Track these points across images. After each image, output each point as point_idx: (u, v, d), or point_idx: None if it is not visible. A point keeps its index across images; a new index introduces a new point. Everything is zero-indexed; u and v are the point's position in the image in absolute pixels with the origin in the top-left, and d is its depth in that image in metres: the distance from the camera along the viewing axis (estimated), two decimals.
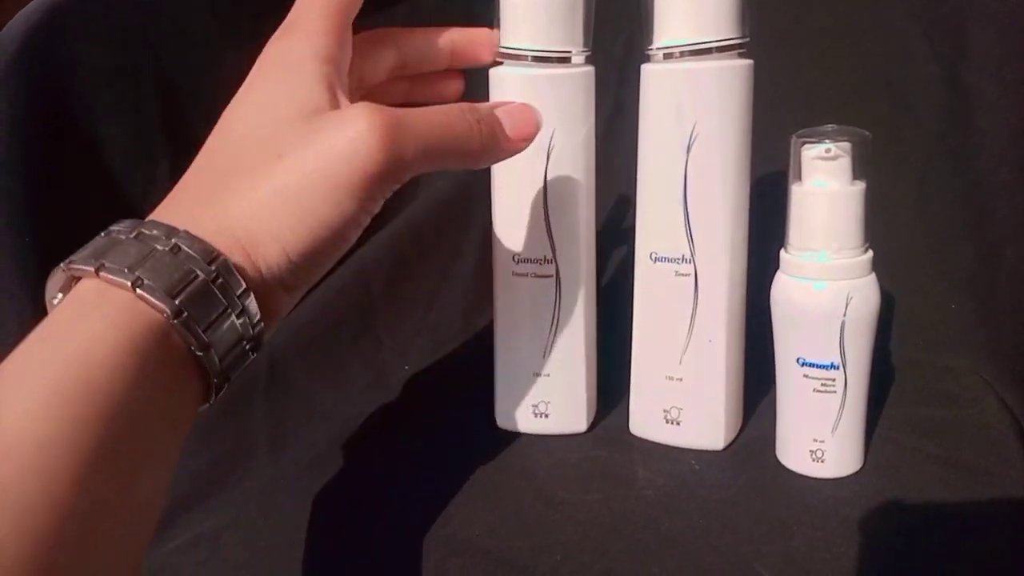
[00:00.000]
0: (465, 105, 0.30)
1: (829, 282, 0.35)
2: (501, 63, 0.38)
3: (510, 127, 0.32)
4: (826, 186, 0.35)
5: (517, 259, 0.40)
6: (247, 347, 0.26)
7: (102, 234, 0.25)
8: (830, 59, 0.53)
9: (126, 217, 0.26)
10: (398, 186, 0.28)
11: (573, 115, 0.38)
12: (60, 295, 0.25)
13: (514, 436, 0.43)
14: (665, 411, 0.41)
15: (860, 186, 0.36)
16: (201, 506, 0.40)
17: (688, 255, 0.38)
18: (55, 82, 0.43)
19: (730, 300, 0.39)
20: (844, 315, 0.35)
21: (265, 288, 0.26)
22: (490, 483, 0.39)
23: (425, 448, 0.43)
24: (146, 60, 0.47)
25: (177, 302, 0.23)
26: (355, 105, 0.28)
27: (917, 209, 0.50)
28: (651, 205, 0.39)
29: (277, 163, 0.26)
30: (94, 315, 0.23)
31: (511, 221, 0.40)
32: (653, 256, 0.39)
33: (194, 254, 0.24)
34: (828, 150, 0.35)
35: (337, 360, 0.50)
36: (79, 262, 0.24)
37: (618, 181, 0.51)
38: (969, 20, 0.48)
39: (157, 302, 0.23)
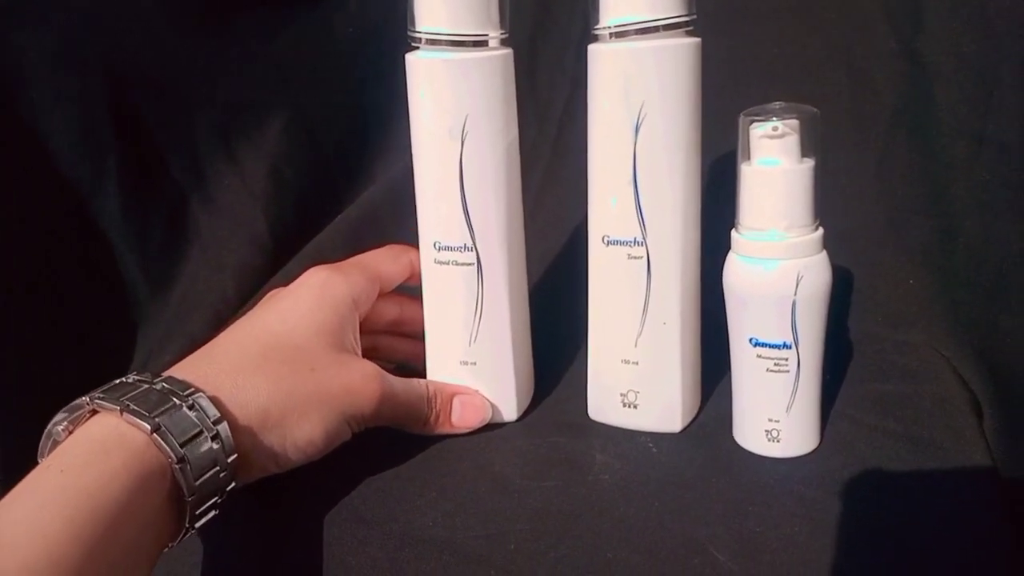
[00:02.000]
0: (433, 390, 0.40)
1: (779, 261, 0.35)
2: (417, 47, 0.37)
3: (457, 417, 0.40)
4: (774, 164, 0.35)
5: (439, 247, 0.39)
6: (219, 500, 0.31)
7: (123, 379, 0.32)
8: (791, 35, 0.53)
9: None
10: (366, 427, 0.38)
11: (489, 100, 0.37)
12: (63, 420, 0.30)
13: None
14: (622, 395, 0.40)
15: (809, 163, 0.35)
16: None
17: (640, 237, 0.38)
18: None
19: (683, 282, 0.38)
20: (795, 294, 0.35)
21: (251, 463, 0.33)
22: (444, 472, 0.39)
23: (377, 438, 0.42)
24: (93, 48, 0.46)
25: (183, 451, 0.29)
26: (369, 365, 0.37)
27: (877, 184, 0.50)
28: (602, 188, 0.38)
29: (310, 374, 0.35)
30: (114, 454, 0.28)
31: (431, 209, 0.39)
32: (605, 239, 0.38)
33: (206, 415, 0.31)
34: (775, 128, 0.34)
35: None
36: (105, 399, 0.29)
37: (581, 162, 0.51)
38: None
39: (168, 449, 0.29)
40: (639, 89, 0.36)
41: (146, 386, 0.31)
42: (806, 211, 0.35)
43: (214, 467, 0.30)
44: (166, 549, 0.30)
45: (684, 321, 0.39)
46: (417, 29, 0.36)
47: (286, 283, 0.41)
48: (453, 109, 0.37)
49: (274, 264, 0.53)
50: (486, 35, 0.36)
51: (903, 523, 0.34)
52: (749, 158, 0.36)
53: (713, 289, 0.39)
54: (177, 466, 0.29)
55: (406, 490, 0.38)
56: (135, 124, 0.48)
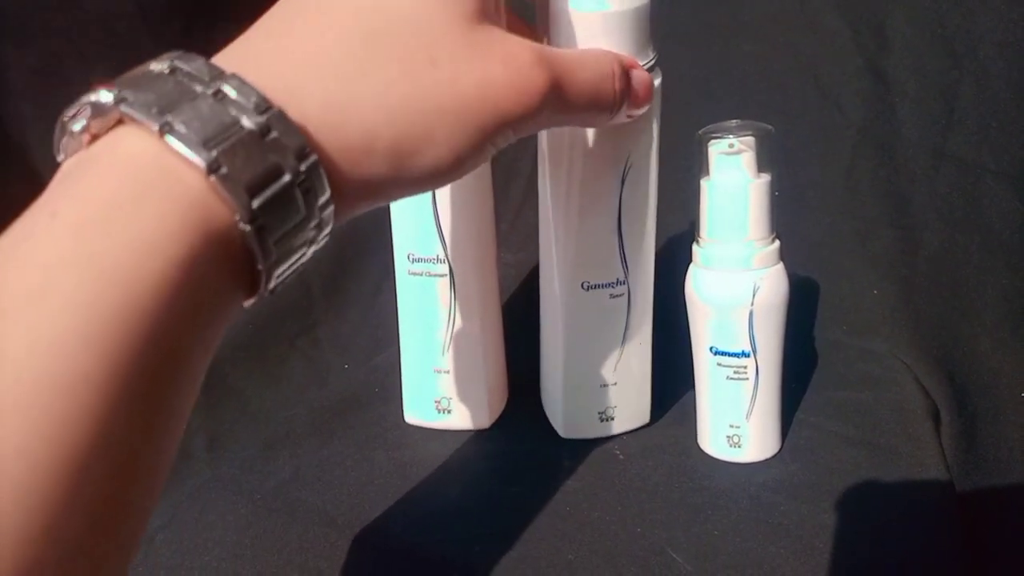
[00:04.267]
0: (616, 63, 0.28)
1: (736, 272, 0.36)
2: None
3: (634, 97, 0.30)
4: (731, 180, 0.36)
5: (412, 258, 0.40)
6: (302, 261, 0.22)
7: (158, 62, 0.20)
8: (759, 53, 0.54)
9: None
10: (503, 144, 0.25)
11: None
12: (83, 114, 0.19)
13: (445, 433, 0.43)
14: (600, 412, 0.41)
15: (765, 178, 0.37)
16: None
17: (622, 277, 0.38)
18: None
19: (651, 306, 0.40)
20: (752, 304, 0.36)
21: (350, 198, 0.22)
22: (414, 477, 0.40)
23: (359, 447, 0.43)
24: (75, 64, 0.47)
25: (255, 206, 0.19)
26: (523, 43, 0.25)
27: (843, 197, 0.51)
28: (584, 238, 0.37)
29: (429, 71, 0.23)
30: (150, 204, 0.17)
31: (404, 220, 0.40)
32: (585, 285, 0.38)
33: (288, 144, 0.20)
34: (731, 145, 0.36)
35: (276, 360, 0.50)
36: (137, 107, 0.18)
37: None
38: (890, 14, 0.50)
39: (233, 201, 0.18)
40: (626, 141, 0.35)
41: (199, 88, 0.19)
42: (763, 224, 0.37)
43: (298, 218, 0.20)
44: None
45: (650, 336, 0.40)
46: None
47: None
48: None
49: None
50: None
51: (859, 526, 0.35)
52: (708, 174, 0.37)
53: (677, 300, 0.40)
54: (248, 228, 0.19)
55: (376, 494, 0.39)
56: None
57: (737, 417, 0.38)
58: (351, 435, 0.44)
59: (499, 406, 0.44)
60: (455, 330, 0.41)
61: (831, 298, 0.50)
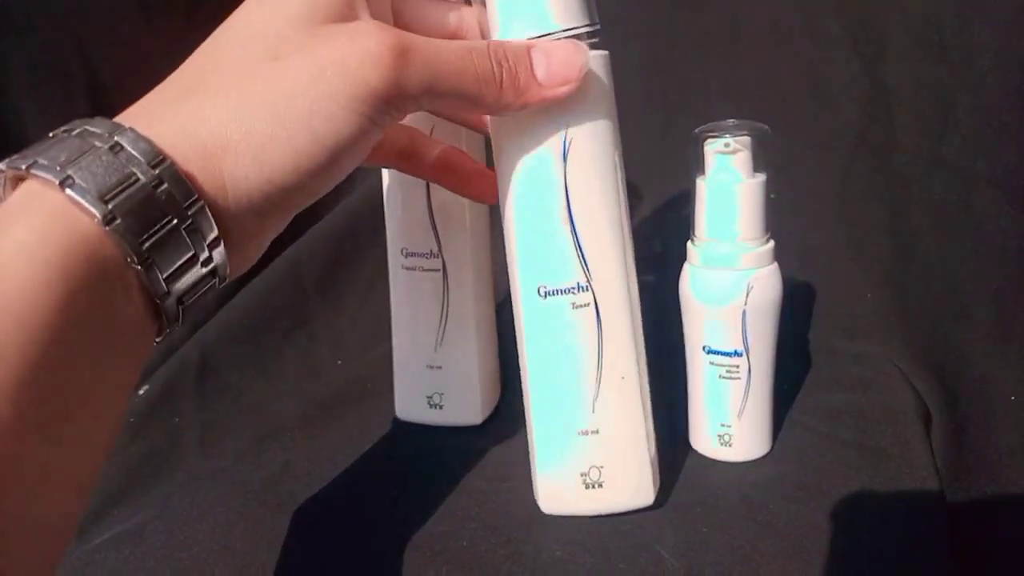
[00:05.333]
0: (495, 43, 0.28)
1: (730, 271, 0.37)
2: None
3: (544, 72, 0.28)
4: (727, 178, 0.36)
5: (406, 253, 0.41)
6: (203, 269, 0.23)
7: (50, 134, 0.23)
8: (758, 57, 0.55)
9: None
10: (399, 117, 0.26)
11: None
12: None
13: (436, 428, 0.43)
14: (583, 474, 0.35)
15: (760, 178, 0.37)
16: (128, 500, 0.41)
17: (584, 281, 0.33)
18: None
19: (634, 323, 0.34)
20: (745, 303, 0.36)
21: (229, 206, 0.23)
22: (406, 471, 0.40)
23: (351, 441, 0.43)
24: (75, 58, 0.47)
25: (109, 206, 0.21)
26: (366, 21, 0.25)
27: (838, 202, 0.52)
28: (529, 230, 0.32)
29: (270, 65, 0.24)
30: (20, 224, 0.20)
31: (399, 215, 0.40)
32: (542, 290, 0.33)
33: (136, 155, 0.21)
34: (727, 144, 0.36)
35: (269, 354, 0.50)
36: (15, 159, 0.21)
37: None
38: (889, 21, 0.50)
39: (87, 205, 0.20)
40: (562, 111, 0.30)
41: (63, 134, 0.22)
42: (758, 224, 0.37)
43: (164, 218, 0.22)
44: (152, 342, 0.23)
45: (641, 369, 0.34)
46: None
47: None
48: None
49: (250, 273, 0.55)
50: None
51: (848, 527, 0.35)
52: (704, 172, 0.37)
53: (669, 296, 0.40)
54: (106, 228, 0.21)
55: (367, 488, 0.39)
56: None
57: (729, 416, 0.38)
58: (343, 429, 0.44)
59: (491, 403, 0.44)
60: (448, 326, 0.41)
61: (825, 301, 0.50)
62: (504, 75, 0.27)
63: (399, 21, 0.29)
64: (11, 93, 0.45)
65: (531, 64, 0.28)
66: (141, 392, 0.47)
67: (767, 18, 0.54)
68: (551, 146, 0.31)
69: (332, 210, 0.56)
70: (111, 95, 0.48)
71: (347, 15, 0.26)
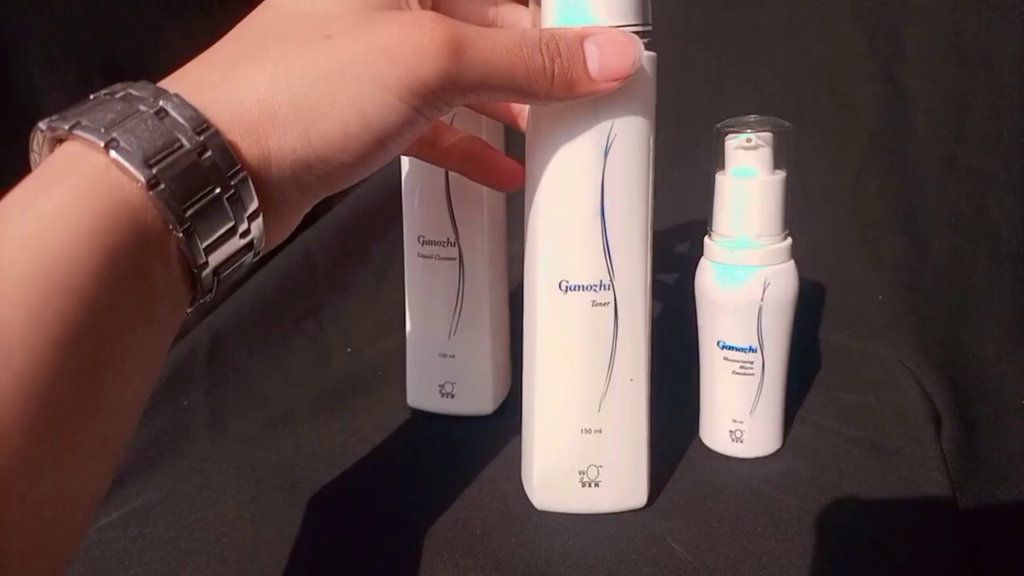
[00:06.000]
0: (547, 35, 0.27)
1: (748, 268, 0.37)
2: None
3: (597, 66, 0.28)
4: (747, 174, 0.36)
5: (423, 240, 0.40)
6: (241, 241, 0.23)
7: (91, 96, 0.22)
8: (775, 55, 0.54)
9: None
10: (448, 109, 0.26)
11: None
12: (40, 132, 0.22)
13: (447, 417, 0.43)
14: (581, 472, 0.35)
15: (780, 175, 0.37)
16: (137, 483, 0.41)
17: (607, 280, 0.32)
18: None
19: (647, 326, 0.33)
20: (762, 300, 0.36)
21: (271, 178, 0.23)
22: (418, 460, 0.40)
23: (362, 428, 0.43)
24: (91, 36, 0.47)
25: (153, 171, 0.20)
26: (423, 11, 0.25)
27: (851, 202, 0.52)
28: (560, 223, 0.32)
29: (322, 43, 0.24)
30: (60, 186, 0.20)
31: (416, 203, 0.40)
32: (563, 285, 0.32)
33: (182, 121, 0.21)
34: (748, 139, 0.36)
35: (279, 341, 0.50)
36: (56, 120, 0.21)
37: None
38: (906, 22, 0.50)
39: (131, 168, 0.20)
40: (608, 107, 0.30)
41: (106, 97, 0.22)
42: (776, 220, 0.37)
43: (207, 186, 0.21)
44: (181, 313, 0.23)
45: (647, 372, 0.34)
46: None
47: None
48: None
49: (261, 260, 0.55)
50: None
51: (858, 524, 0.35)
52: (723, 168, 0.37)
53: (681, 291, 0.40)
54: (150, 192, 0.20)
55: (377, 474, 0.39)
56: None
57: (741, 412, 0.38)
58: (353, 416, 0.44)
59: (503, 392, 0.44)
60: (462, 315, 0.41)
61: (837, 301, 0.50)
62: (556, 69, 0.27)
63: (439, 8, 0.29)
64: (27, 68, 0.44)
65: (584, 57, 0.28)
66: None
67: (782, 15, 0.54)
68: (594, 141, 0.31)
69: (346, 198, 0.56)
70: (126, 72, 0.48)
71: (398, 3, 0.26)
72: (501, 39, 0.26)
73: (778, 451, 0.40)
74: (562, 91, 0.27)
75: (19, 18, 0.44)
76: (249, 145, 0.23)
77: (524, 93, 0.27)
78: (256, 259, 0.25)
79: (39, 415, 0.18)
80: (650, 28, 0.30)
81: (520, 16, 0.32)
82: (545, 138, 0.31)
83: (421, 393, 0.44)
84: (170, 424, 0.44)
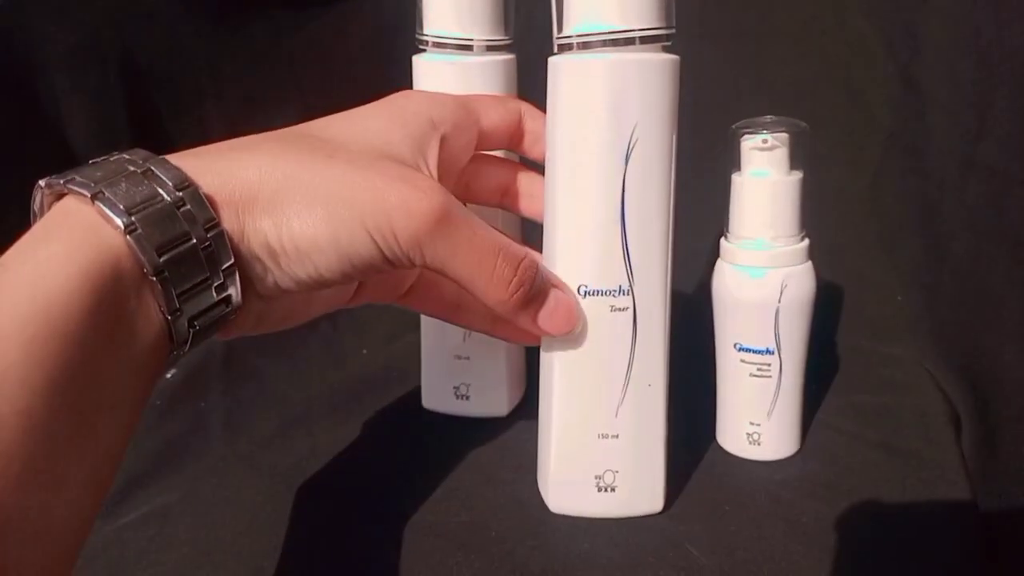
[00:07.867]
0: (527, 263, 0.29)
1: (765, 269, 0.36)
2: (424, 50, 0.38)
3: (546, 316, 0.30)
4: (763, 175, 0.36)
5: None
6: (215, 296, 0.24)
7: (89, 161, 0.24)
8: (791, 56, 0.54)
9: None
10: (412, 267, 0.27)
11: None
12: (39, 194, 0.24)
13: (462, 419, 0.43)
14: (597, 476, 0.34)
15: (797, 176, 0.36)
16: (154, 483, 0.41)
17: (626, 285, 0.32)
18: (19, 60, 0.44)
19: (666, 331, 0.33)
20: (779, 301, 0.36)
21: (245, 250, 0.25)
22: (434, 462, 0.40)
23: (376, 429, 0.44)
24: (112, 41, 0.48)
25: (132, 218, 0.22)
26: (432, 179, 0.27)
27: (869, 202, 0.51)
28: (579, 227, 0.32)
29: (323, 159, 0.26)
30: (55, 237, 0.21)
31: None
32: (582, 290, 0.32)
33: (166, 180, 0.23)
34: (765, 140, 0.36)
35: (294, 342, 0.50)
36: (54, 178, 0.23)
37: None
38: (924, 21, 0.49)
39: (112, 215, 0.22)
40: (632, 108, 0.30)
41: (102, 161, 0.24)
42: (793, 222, 0.37)
43: (183, 235, 0.23)
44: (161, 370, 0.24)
45: (665, 380, 0.34)
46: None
47: None
48: None
49: None
50: (492, 39, 0.37)
51: (877, 527, 0.35)
52: (740, 169, 0.37)
53: (697, 293, 0.40)
54: (127, 236, 0.22)
55: (395, 475, 0.39)
56: (149, 115, 0.50)
57: (758, 415, 0.38)
58: (368, 418, 0.45)
59: (517, 394, 0.44)
60: None
61: (855, 302, 0.50)
62: (519, 295, 0.29)
63: (465, 167, 0.33)
64: (48, 74, 0.45)
65: (543, 301, 0.30)
66: (168, 376, 0.47)
67: (798, 15, 0.54)
68: (616, 145, 0.30)
69: None
70: (145, 79, 0.49)
71: (413, 161, 0.28)
72: (484, 236, 0.27)
73: (796, 454, 0.39)
74: (511, 309, 0.29)
75: (42, 24, 0.45)
76: (227, 214, 0.24)
77: (478, 290, 0.28)
78: (239, 335, 0.27)
79: (38, 452, 0.19)
80: (673, 31, 0.31)
81: (535, 187, 0.35)
82: (565, 142, 0.31)
83: (436, 395, 0.44)
84: (187, 425, 0.45)
